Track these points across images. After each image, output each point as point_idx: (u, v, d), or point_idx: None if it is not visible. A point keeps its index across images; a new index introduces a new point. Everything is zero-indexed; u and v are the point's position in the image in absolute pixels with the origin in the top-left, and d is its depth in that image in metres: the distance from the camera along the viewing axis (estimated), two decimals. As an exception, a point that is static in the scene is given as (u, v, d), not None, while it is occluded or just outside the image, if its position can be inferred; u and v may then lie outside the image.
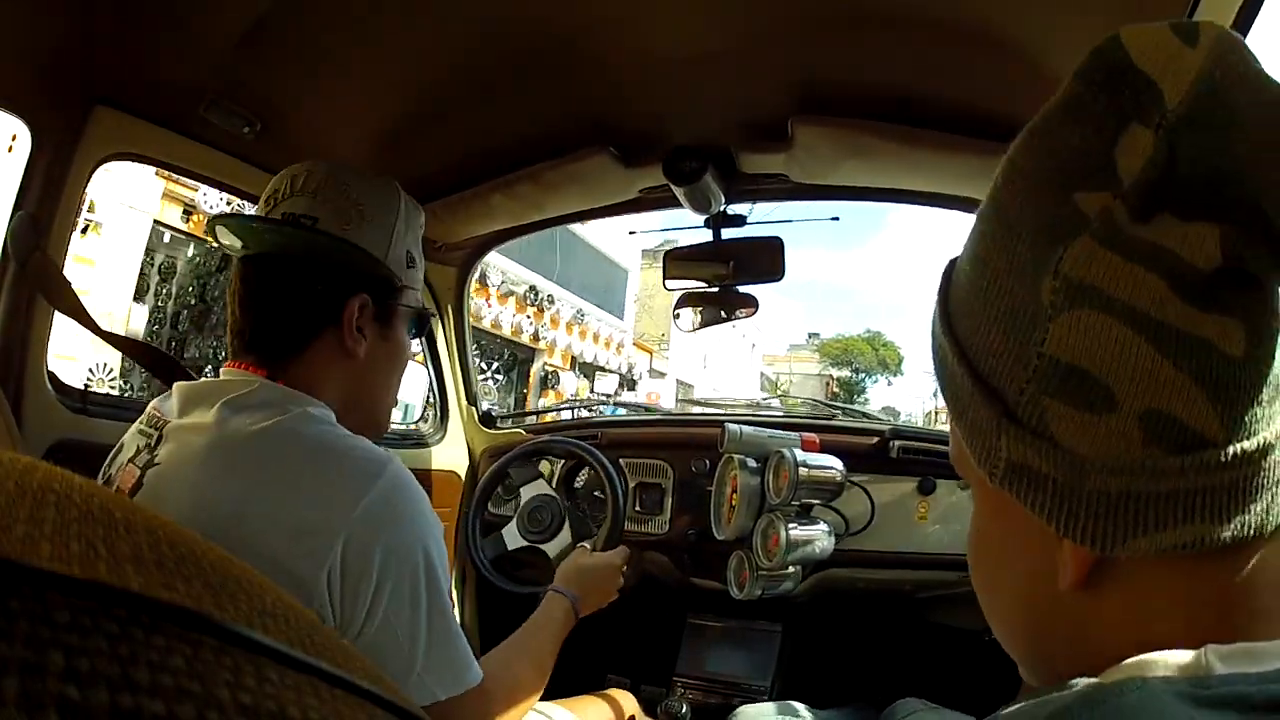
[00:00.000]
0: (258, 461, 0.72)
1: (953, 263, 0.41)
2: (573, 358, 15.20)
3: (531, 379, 13.90)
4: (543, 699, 1.32)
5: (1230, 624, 0.31)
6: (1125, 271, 0.30)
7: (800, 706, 1.26)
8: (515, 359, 13.85)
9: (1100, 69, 0.32)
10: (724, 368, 25.60)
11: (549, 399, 13.50)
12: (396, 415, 1.80)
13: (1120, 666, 0.32)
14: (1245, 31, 0.67)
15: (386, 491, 0.73)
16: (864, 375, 42.46)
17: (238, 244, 0.85)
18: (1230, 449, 0.30)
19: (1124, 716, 0.28)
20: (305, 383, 0.81)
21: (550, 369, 14.49)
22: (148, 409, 0.82)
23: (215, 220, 0.84)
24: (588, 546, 1.39)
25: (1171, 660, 0.30)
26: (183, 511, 0.70)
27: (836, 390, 40.35)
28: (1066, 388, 0.32)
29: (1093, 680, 0.31)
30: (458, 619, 1.76)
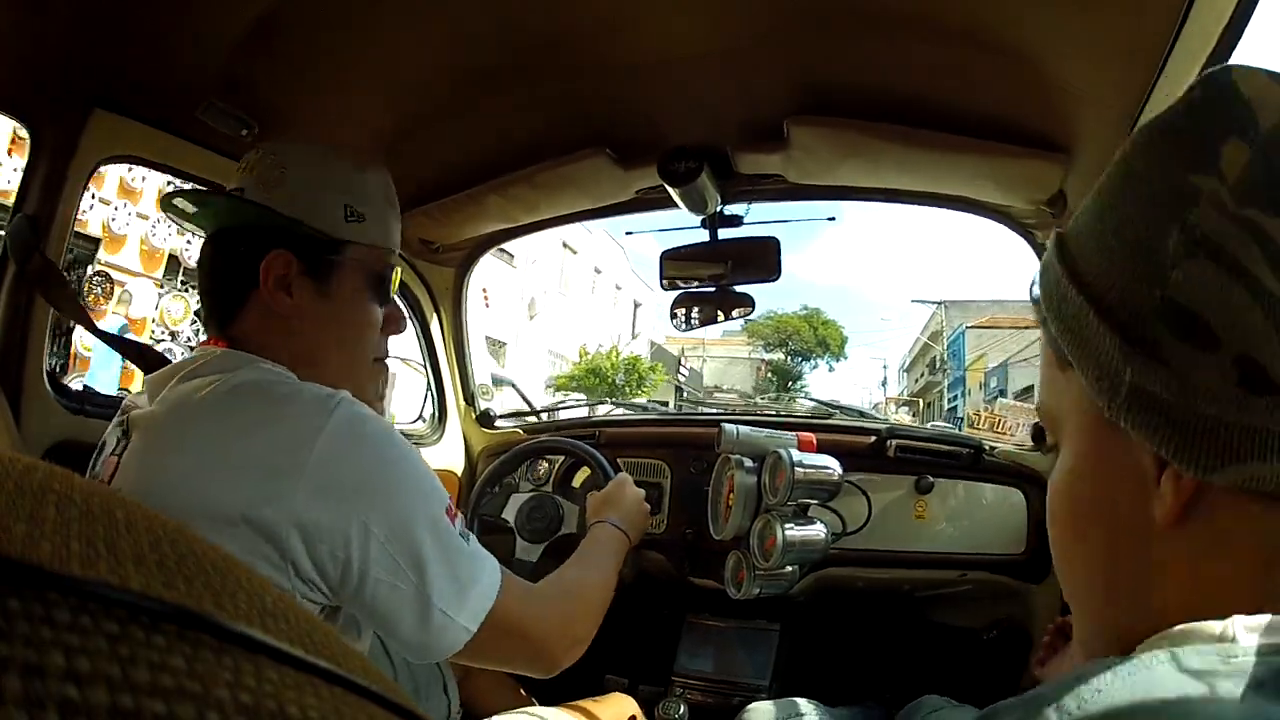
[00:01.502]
0: (210, 420, 0.72)
1: (1061, 235, 0.44)
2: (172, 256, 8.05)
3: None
4: (542, 703, 1.32)
5: None
6: (1235, 235, 0.35)
7: (809, 704, 1.26)
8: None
9: (1213, 88, 0.39)
10: (571, 319, 20.01)
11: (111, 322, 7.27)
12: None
13: (1152, 639, 0.36)
14: (1239, 33, 0.67)
15: (340, 425, 0.71)
16: (801, 359, 37.46)
17: (197, 227, 0.90)
18: None
19: (1150, 681, 0.31)
20: (254, 346, 0.82)
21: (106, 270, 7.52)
22: (124, 403, 0.83)
23: (162, 205, 0.88)
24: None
25: (1201, 631, 0.34)
26: (149, 486, 0.71)
27: (769, 376, 36.15)
28: (1182, 325, 0.36)
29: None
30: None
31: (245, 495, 0.67)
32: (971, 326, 29.04)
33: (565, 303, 19.75)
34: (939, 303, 32.65)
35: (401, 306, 0.94)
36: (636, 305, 26.52)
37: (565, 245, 19.67)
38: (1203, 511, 0.37)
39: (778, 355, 36.76)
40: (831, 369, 39.52)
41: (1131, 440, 0.38)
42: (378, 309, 0.91)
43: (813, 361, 37.80)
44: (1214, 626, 0.34)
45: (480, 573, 0.78)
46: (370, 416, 0.75)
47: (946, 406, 30.90)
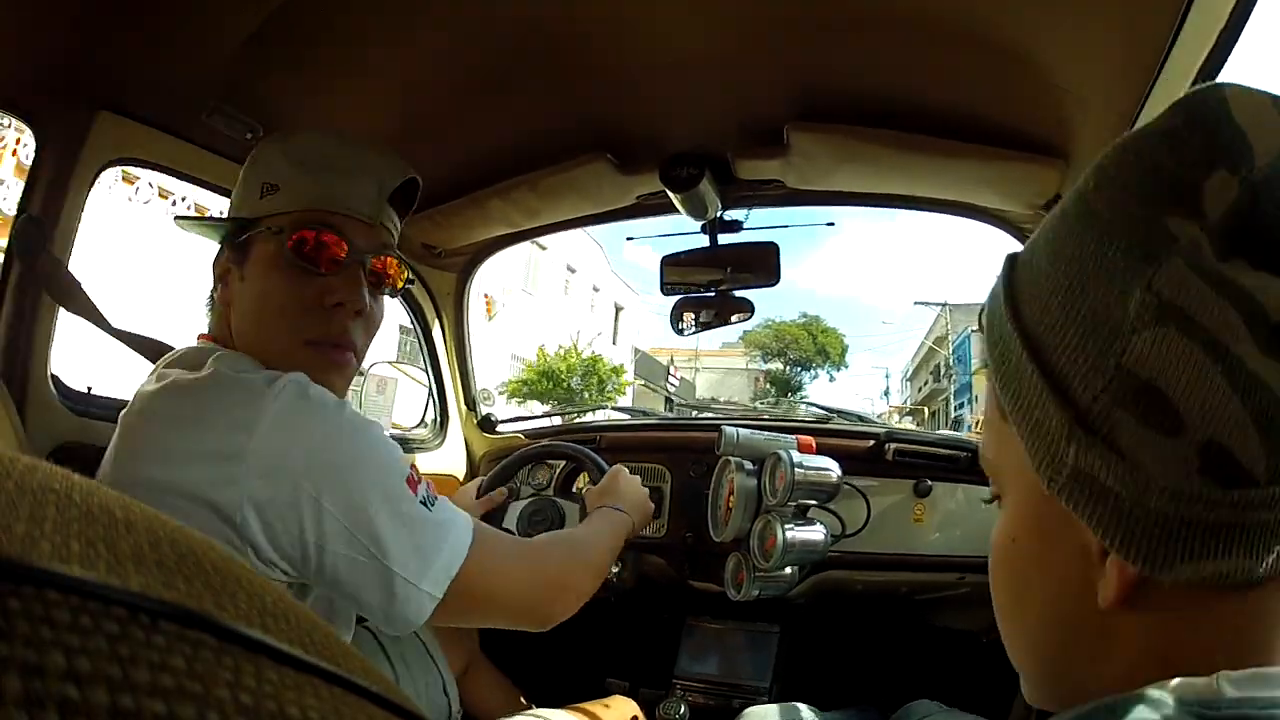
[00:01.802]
0: (170, 406, 0.74)
1: (1013, 258, 0.40)
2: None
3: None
4: (542, 705, 1.32)
5: (1250, 652, 0.32)
6: (1212, 301, 0.30)
7: (804, 708, 1.25)
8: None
9: (1199, 110, 0.33)
10: (539, 320, 18.06)
11: None
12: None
13: (1135, 693, 0.32)
14: (1236, 36, 0.67)
15: (284, 406, 0.71)
16: (800, 369, 35.65)
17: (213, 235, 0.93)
18: (1273, 490, 0.30)
19: None
20: (221, 342, 0.85)
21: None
22: None
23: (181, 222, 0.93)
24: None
25: (1185, 685, 0.31)
26: (117, 478, 0.74)
27: (767, 387, 34.23)
28: (1139, 403, 0.31)
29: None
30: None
31: (201, 479, 0.68)
32: (977, 330, 27.25)
33: (532, 303, 18.14)
34: (943, 304, 31.04)
35: (358, 275, 0.84)
36: (618, 309, 24.95)
37: (532, 240, 17.85)
38: (1153, 598, 0.33)
39: (776, 365, 35.36)
40: (832, 379, 37.68)
41: (1070, 512, 0.35)
42: (301, 281, 0.82)
43: (813, 371, 36.42)
44: (1198, 681, 0.31)
45: (443, 539, 0.76)
46: (317, 395, 0.74)
47: (953, 415, 28.68)
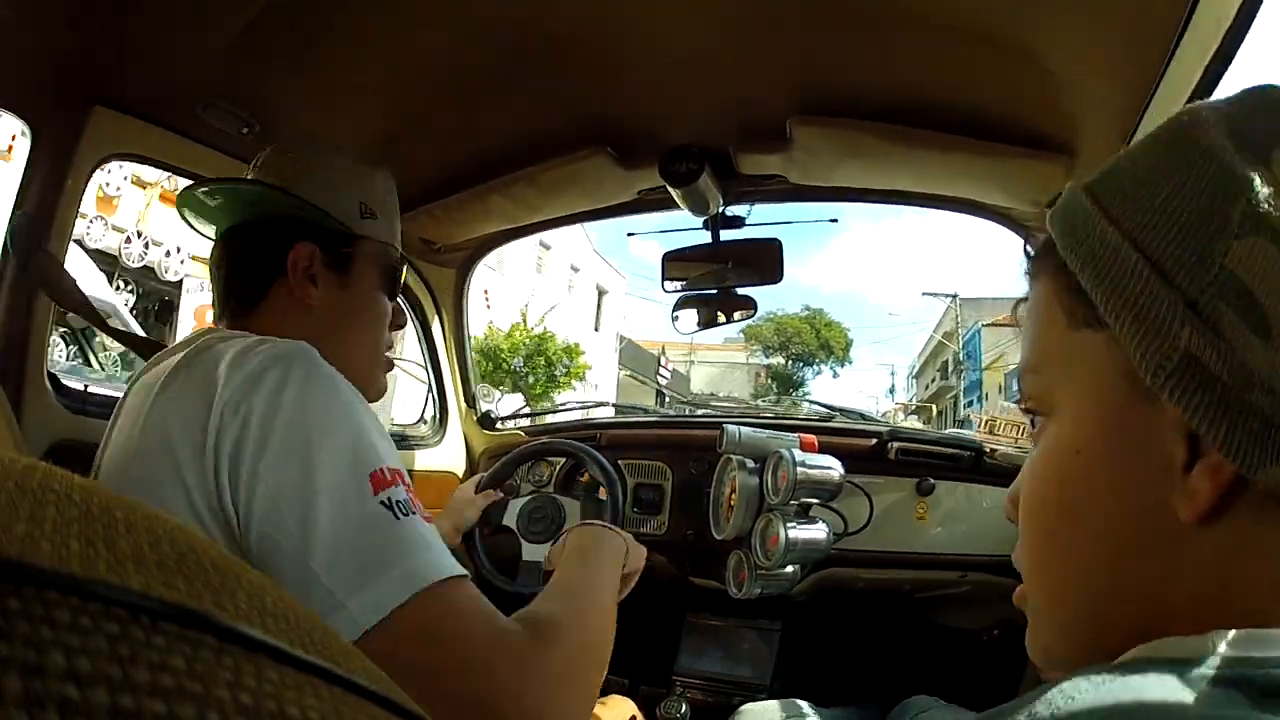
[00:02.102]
0: (164, 386, 0.70)
1: (1080, 185, 0.41)
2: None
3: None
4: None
5: None
6: None
7: (804, 705, 1.26)
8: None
9: (1269, 100, 0.38)
10: (507, 302, 15.49)
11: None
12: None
13: (1131, 652, 0.33)
14: (1243, 34, 0.67)
15: (264, 360, 0.66)
16: (802, 364, 34.10)
17: (209, 228, 0.90)
18: None
19: (1128, 691, 0.29)
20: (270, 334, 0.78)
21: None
22: None
23: (181, 200, 0.88)
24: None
25: (1180, 644, 0.32)
26: (114, 459, 0.73)
27: (769, 383, 32.84)
28: (1239, 303, 0.33)
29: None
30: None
31: (180, 448, 0.64)
32: (988, 324, 25.44)
33: (499, 280, 15.62)
34: (952, 296, 28.62)
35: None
36: (601, 293, 22.00)
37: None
38: (1234, 511, 0.34)
39: (778, 360, 33.86)
40: (836, 375, 35.68)
41: (1163, 420, 0.35)
42: (388, 303, 0.95)
43: (815, 367, 34.73)
44: (1193, 640, 0.32)
45: (401, 557, 0.60)
46: (294, 352, 0.68)
47: (962, 414, 26.89)
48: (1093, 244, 0.38)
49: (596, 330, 21.09)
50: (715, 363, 33.22)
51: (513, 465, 1.63)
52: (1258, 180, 0.34)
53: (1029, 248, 0.46)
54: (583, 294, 20.80)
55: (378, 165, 0.96)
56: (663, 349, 25.18)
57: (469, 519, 1.52)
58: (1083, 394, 0.39)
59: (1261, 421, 0.32)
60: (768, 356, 33.76)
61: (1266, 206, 0.34)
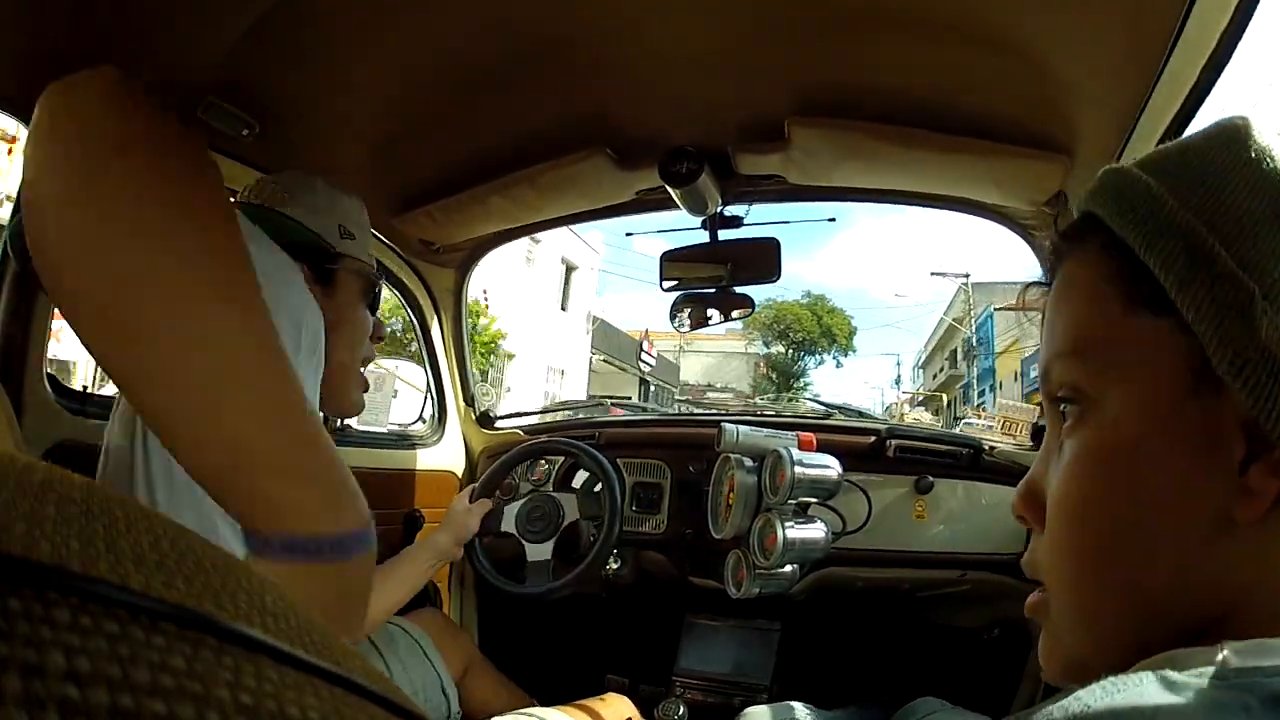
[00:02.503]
0: None
1: (1123, 167, 0.41)
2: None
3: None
4: (541, 704, 1.33)
5: None
6: None
7: (804, 707, 1.26)
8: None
9: None
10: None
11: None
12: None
13: (1144, 663, 0.32)
14: (1240, 33, 0.67)
15: None
16: (804, 353, 32.51)
17: None
18: None
19: (1140, 703, 0.29)
20: None
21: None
22: None
23: None
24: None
25: (1188, 657, 0.31)
26: (106, 464, 0.80)
27: (768, 373, 31.99)
28: None
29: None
30: (452, 618, 1.79)
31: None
32: (1000, 309, 24.26)
33: None
34: (964, 276, 27.24)
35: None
36: (570, 269, 19.26)
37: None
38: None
39: (778, 348, 32.36)
40: (839, 365, 34.24)
41: (1223, 414, 0.34)
42: (369, 315, 1.07)
43: (818, 356, 33.16)
44: (1207, 651, 0.31)
45: None
46: None
47: (976, 401, 25.63)
48: (1162, 225, 0.36)
49: (564, 310, 19.03)
50: (711, 352, 32.04)
51: (507, 468, 1.64)
52: None
53: (1059, 225, 0.45)
54: (545, 268, 18.13)
55: (351, 192, 1.07)
56: (645, 334, 23.16)
57: (469, 530, 1.52)
58: (1137, 383, 0.37)
59: None
60: (767, 345, 32.53)
61: None
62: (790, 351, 32.54)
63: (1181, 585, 0.35)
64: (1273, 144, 0.37)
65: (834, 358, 33.76)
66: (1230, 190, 0.36)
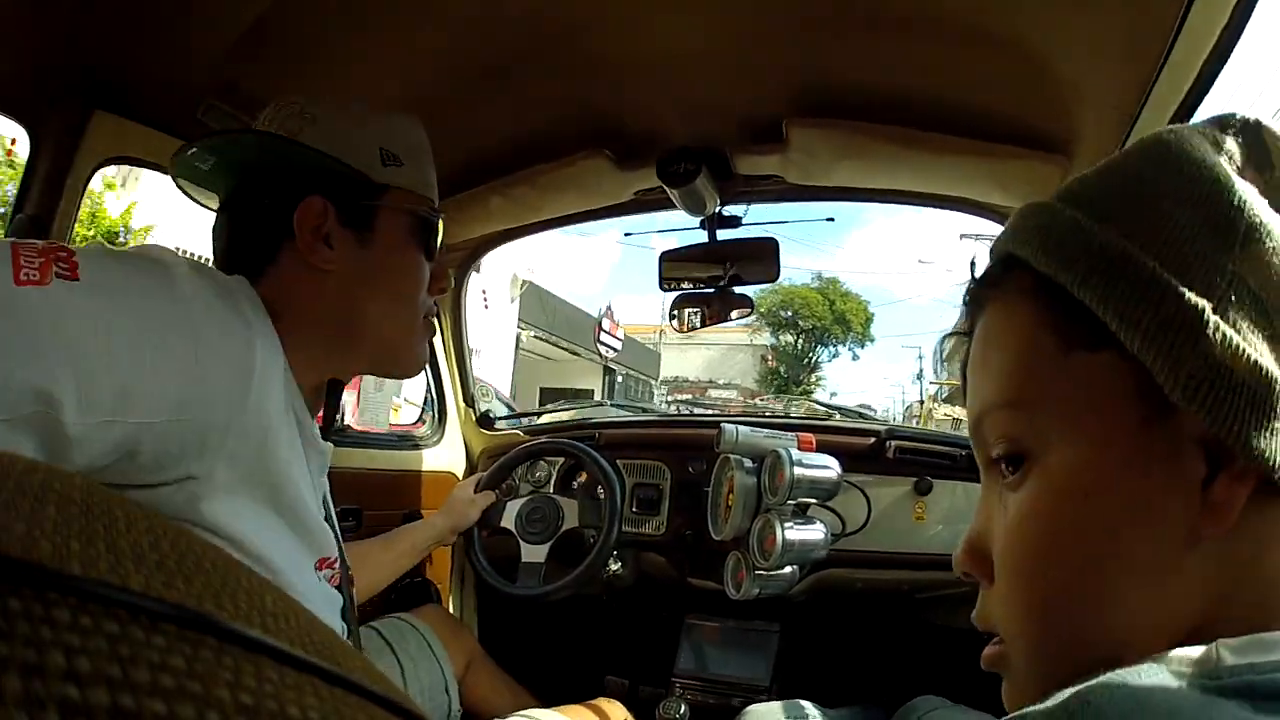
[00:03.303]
0: None
1: (1055, 202, 0.40)
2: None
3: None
4: (542, 704, 1.33)
5: None
6: None
7: (808, 705, 1.26)
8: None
9: (1235, 124, 0.38)
10: None
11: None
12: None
13: (1131, 668, 0.31)
14: (1239, 33, 0.67)
15: None
16: (816, 343, 28.73)
17: (213, 199, 0.82)
18: None
19: (1134, 701, 0.28)
20: (286, 311, 0.72)
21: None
22: None
23: (176, 168, 0.78)
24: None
25: (1183, 656, 0.31)
26: None
27: (776, 366, 28.37)
28: (1250, 307, 0.33)
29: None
30: (457, 614, 1.79)
31: None
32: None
33: None
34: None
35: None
36: None
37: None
38: (1251, 515, 0.33)
39: (787, 338, 28.58)
40: (855, 356, 30.26)
41: (1180, 436, 0.33)
42: (425, 262, 0.84)
43: (831, 347, 29.18)
44: (1196, 649, 0.30)
45: None
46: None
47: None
48: (1093, 257, 0.35)
49: (476, 271, 15.84)
50: (714, 344, 28.61)
51: (511, 466, 1.64)
52: (1251, 188, 0.35)
53: (974, 274, 0.43)
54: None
55: (403, 112, 0.86)
56: (609, 310, 17.86)
57: (468, 519, 1.53)
58: (1086, 425, 0.35)
59: None
60: (775, 335, 28.79)
61: (1263, 212, 0.34)
62: (800, 342, 28.72)
63: (1151, 615, 0.34)
64: (1205, 154, 0.36)
65: (849, 349, 29.70)
66: (1162, 207, 0.35)
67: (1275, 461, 0.32)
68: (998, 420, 0.38)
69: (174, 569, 0.15)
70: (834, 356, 29.74)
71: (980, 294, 0.41)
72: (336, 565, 0.82)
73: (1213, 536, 0.33)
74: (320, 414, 0.86)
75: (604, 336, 17.28)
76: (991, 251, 0.42)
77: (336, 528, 0.87)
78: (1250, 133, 0.37)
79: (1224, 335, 0.32)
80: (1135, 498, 0.34)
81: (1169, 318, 0.33)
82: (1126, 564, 0.34)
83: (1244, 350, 0.32)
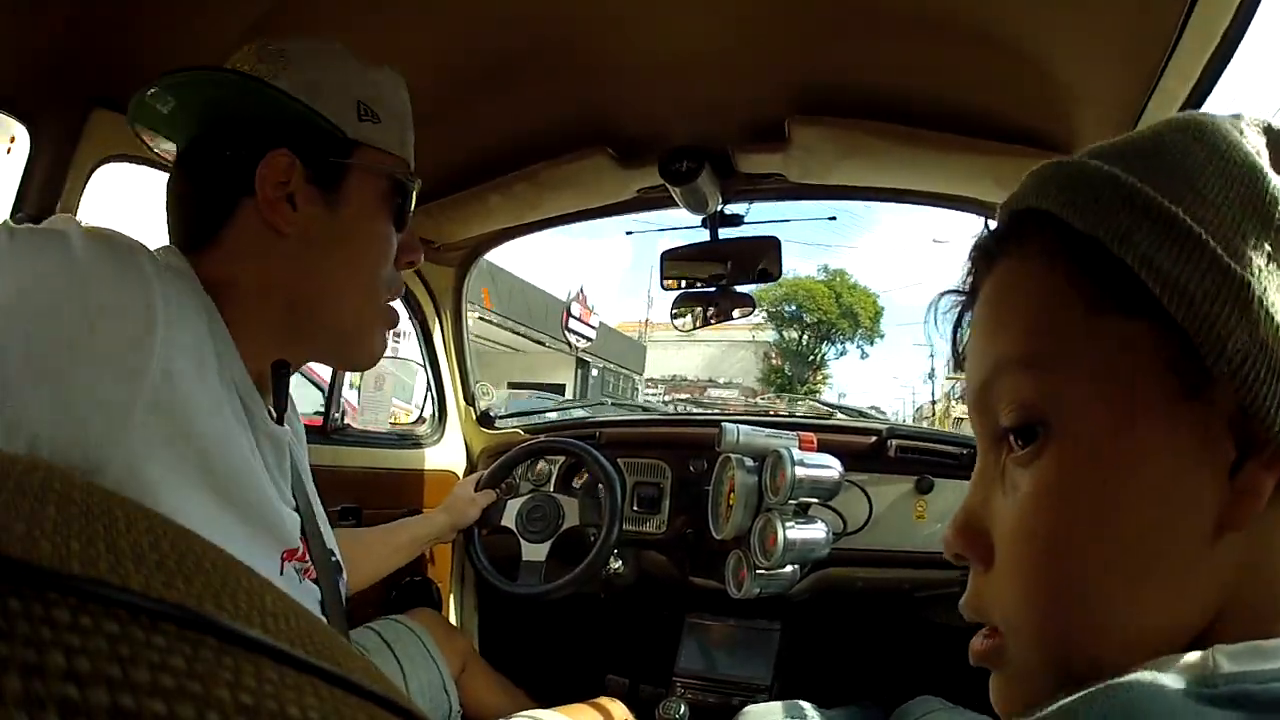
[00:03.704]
0: None
1: (1068, 160, 0.38)
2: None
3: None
4: (540, 704, 1.33)
5: None
6: None
7: (806, 706, 1.26)
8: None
9: (1256, 121, 0.37)
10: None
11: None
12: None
13: (1130, 675, 0.30)
14: (1241, 33, 0.67)
15: None
16: (822, 339, 26.94)
17: (170, 144, 0.75)
18: None
19: (1129, 710, 0.28)
20: (223, 279, 0.65)
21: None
22: None
23: (131, 116, 0.72)
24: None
25: (1179, 662, 0.30)
26: None
27: (780, 364, 26.90)
28: None
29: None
30: (453, 616, 1.79)
31: None
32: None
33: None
34: None
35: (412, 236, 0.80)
36: None
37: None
38: (1274, 514, 0.31)
39: (792, 334, 26.84)
40: (864, 355, 28.06)
41: (1211, 416, 0.31)
42: (394, 232, 0.77)
43: (838, 344, 27.23)
44: (1193, 656, 0.29)
45: None
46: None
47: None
48: (1137, 213, 0.33)
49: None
50: (713, 341, 27.21)
51: (512, 464, 1.64)
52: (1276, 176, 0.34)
53: (989, 224, 0.40)
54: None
55: (385, 67, 0.78)
56: (580, 294, 15.49)
57: (469, 517, 1.53)
58: (1114, 395, 0.33)
59: None
60: (779, 331, 27.08)
61: None
62: (805, 338, 26.76)
63: (1169, 610, 0.32)
64: (1238, 138, 0.35)
65: (858, 346, 27.52)
66: (1205, 175, 0.33)
67: None
68: (1011, 384, 0.35)
69: (174, 569, 0.15)
70: (841, 354, 27.85)
71: (991, 249, 0.38)
72: (307, 559, 0.76)
73: (1240, 525, 0.31)
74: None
75: (574, 324, 15.06)
76: (1003, 208, 0.40)
77: (320, 520, 0.82)
78: (1271, 132, 0.36)
79: (1268, 312, 0.31)
80: (1164, 479, 0.32)
81: (1217, 286, 0.31)
82: (1150, 555, 0.32)
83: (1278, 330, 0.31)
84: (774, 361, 27.17)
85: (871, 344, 27.65)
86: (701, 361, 27.08)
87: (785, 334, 27.21)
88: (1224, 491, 0.31)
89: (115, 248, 0.57)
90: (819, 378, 27.48)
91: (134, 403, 0.54)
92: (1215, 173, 0.33)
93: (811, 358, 27.06)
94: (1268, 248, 0.32)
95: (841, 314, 26.32)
